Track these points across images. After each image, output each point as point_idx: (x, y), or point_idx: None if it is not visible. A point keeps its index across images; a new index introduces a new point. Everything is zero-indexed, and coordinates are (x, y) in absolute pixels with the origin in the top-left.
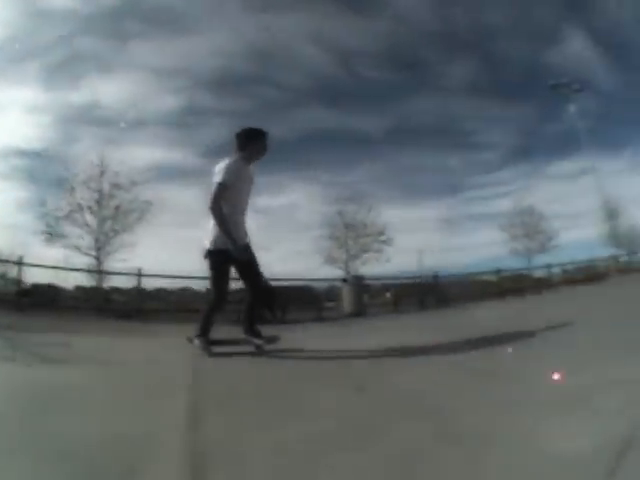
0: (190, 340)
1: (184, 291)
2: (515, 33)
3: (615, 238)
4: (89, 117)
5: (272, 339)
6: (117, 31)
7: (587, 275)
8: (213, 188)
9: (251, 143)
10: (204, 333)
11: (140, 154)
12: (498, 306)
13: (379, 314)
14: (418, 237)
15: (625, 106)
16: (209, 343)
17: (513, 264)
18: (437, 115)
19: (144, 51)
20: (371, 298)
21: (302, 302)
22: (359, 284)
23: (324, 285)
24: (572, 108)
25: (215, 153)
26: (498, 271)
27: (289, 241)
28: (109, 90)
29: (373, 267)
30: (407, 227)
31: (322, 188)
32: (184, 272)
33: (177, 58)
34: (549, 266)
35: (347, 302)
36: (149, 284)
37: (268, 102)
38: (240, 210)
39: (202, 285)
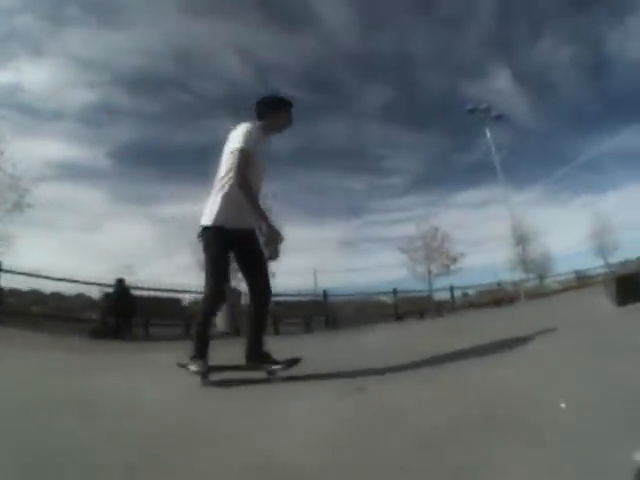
0: (182, 365)
1: (79, 297)
2: (438, 65)
3: (525, 264)
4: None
5: (293, 362)
6: (48, 14)
7: (495, 298)
8: (234, 155)
9: (271, 112)
10: (201, 353)
11: (45, 146)
12: (392, 327)
13: None
14: (318, 256)
15: (540, 142)
16: (208, 368)
17: (417, 287)
18: (348, 138)
19: (72, 38)
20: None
21: (170, 316)
22: (235, 298)
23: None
24: (489, 135)
25: (122, 156)
26: (395, 292)
27: (185, 253)
28: (30, 74)
29: None
30: (307, 246)
31: None
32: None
33: (103, 50)
34: (452, 289)
35: (220, 319)
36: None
37: (181, 108)
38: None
39: (95, 291)
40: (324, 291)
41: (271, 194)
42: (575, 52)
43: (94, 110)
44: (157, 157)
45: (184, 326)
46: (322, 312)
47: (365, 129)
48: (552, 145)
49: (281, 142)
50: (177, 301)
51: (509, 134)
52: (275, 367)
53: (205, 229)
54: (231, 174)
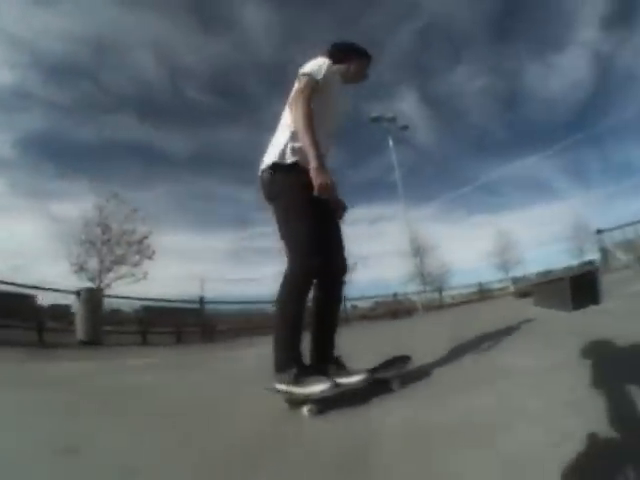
0: (277, 389)
1: None
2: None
3: (422, 276)
4: None
5: (404, 360)
6: None
7: (391, 310)
8: (298, 81)
9: (348, 57)
10: (302, 365)
11: None
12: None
13: (122, 344)
14: (205, 264)
15: (441, 163)
16: (335, 384)
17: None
18: (246, 147)
19: (8, 13)
20: (118, 323)
21: (22, 317)
22: (96, 300)
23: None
24: (391, 144)
25: (27, 147)
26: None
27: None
28: None
29: (128, 284)
30: (195, 253)
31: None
32: None
33: (31, 29)
34: (345, 299)
35: (79, 324)
36: None
37: (90, 102)
38: (323, 130)
39: None
40: (200, 298)
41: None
42: (491, 82)
43: (9, 93)
44: (59, 151)
45: (37, 330)
46: (198, 321)
47: (263, 139)
48: (453, 166)
49: (181, 144)
50: (32, 299)
51: (410, 153)
52: (388, 373)
53: (275, 171)
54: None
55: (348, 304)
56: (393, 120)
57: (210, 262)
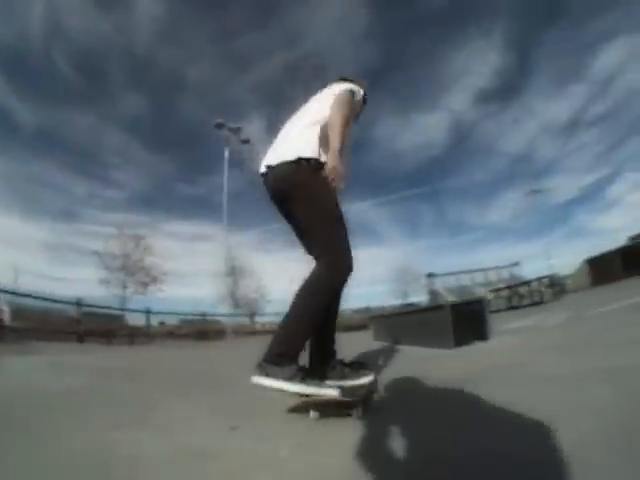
0: (265, 385)
1: None
2: (206, 94)
3: (235, 298)
4: None
5: (361, 365)
6: None
7: (199, 330)
8: (341, 93)
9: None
10: (296, 358)
11: None
12: (70, 350)
13: None
14: (24, 254)
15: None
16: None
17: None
18: (90, 136)
19: None
20: None
21: None
22: None
23: None
24: (227, 155)
25: None
26: (78, 304)
27: None
28: None
29: None
30: (12, 240)
31: None
32: None
33: None
34: (149, 312)
35: None
36: None
37: None
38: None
39: None
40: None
41: None
42: None
43: None
44: None
45: None
46: None
47: (108, 131)
48: None
49: (32, 116)
50: None
51: (243, 177)
52: (365, 379)
53: (306, 165)
54: (329, 110)
55: (153, 320)
56: (237, 131)
57: (25, 253)
